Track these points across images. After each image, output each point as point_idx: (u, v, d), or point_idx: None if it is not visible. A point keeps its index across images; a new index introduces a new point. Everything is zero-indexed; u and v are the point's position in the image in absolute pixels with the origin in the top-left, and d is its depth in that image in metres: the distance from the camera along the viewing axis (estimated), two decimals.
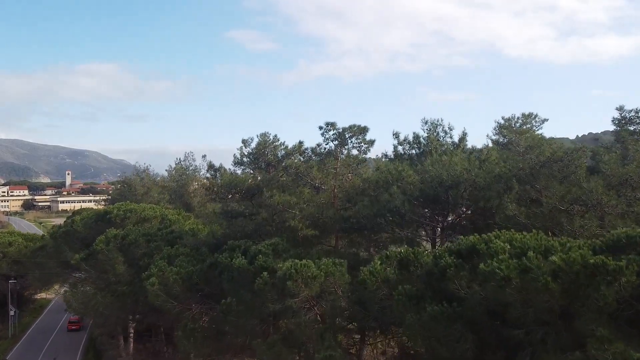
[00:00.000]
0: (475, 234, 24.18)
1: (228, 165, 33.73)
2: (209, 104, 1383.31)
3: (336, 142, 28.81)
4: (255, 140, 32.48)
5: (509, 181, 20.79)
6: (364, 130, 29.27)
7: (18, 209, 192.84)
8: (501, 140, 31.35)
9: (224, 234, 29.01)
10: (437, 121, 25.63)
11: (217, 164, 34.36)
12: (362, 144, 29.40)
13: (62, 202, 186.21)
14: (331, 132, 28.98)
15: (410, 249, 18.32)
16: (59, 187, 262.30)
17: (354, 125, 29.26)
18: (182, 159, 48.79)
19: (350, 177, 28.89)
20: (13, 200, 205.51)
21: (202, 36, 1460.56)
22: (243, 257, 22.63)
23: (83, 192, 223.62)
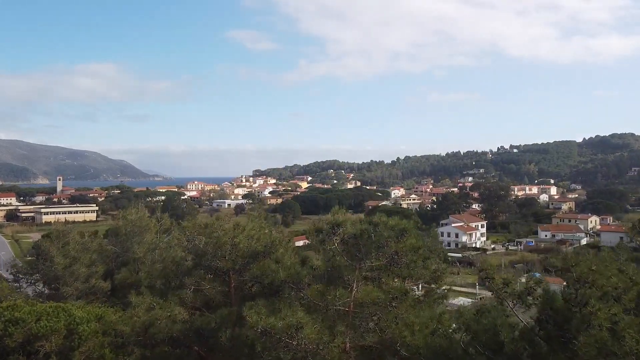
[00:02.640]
0: None
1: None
2: (209, 104, 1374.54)
3: (347, 257, 14.65)
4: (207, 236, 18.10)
5: None
6: (403, 231, 14.97)
7: (1, 219, 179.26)
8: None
9: None
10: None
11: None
12: (397, 258, 15.14)
13: (47, 213, 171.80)
14: (338, 239, 14.82)
15: None
16: (50, 192, 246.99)
17: (375, 224, 14.95)
18: (131, 219, 33.79)
19: (372, 327, 14.65)
20: None
21: (202, 36, 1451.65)
22: None
23: (72, 200, 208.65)
